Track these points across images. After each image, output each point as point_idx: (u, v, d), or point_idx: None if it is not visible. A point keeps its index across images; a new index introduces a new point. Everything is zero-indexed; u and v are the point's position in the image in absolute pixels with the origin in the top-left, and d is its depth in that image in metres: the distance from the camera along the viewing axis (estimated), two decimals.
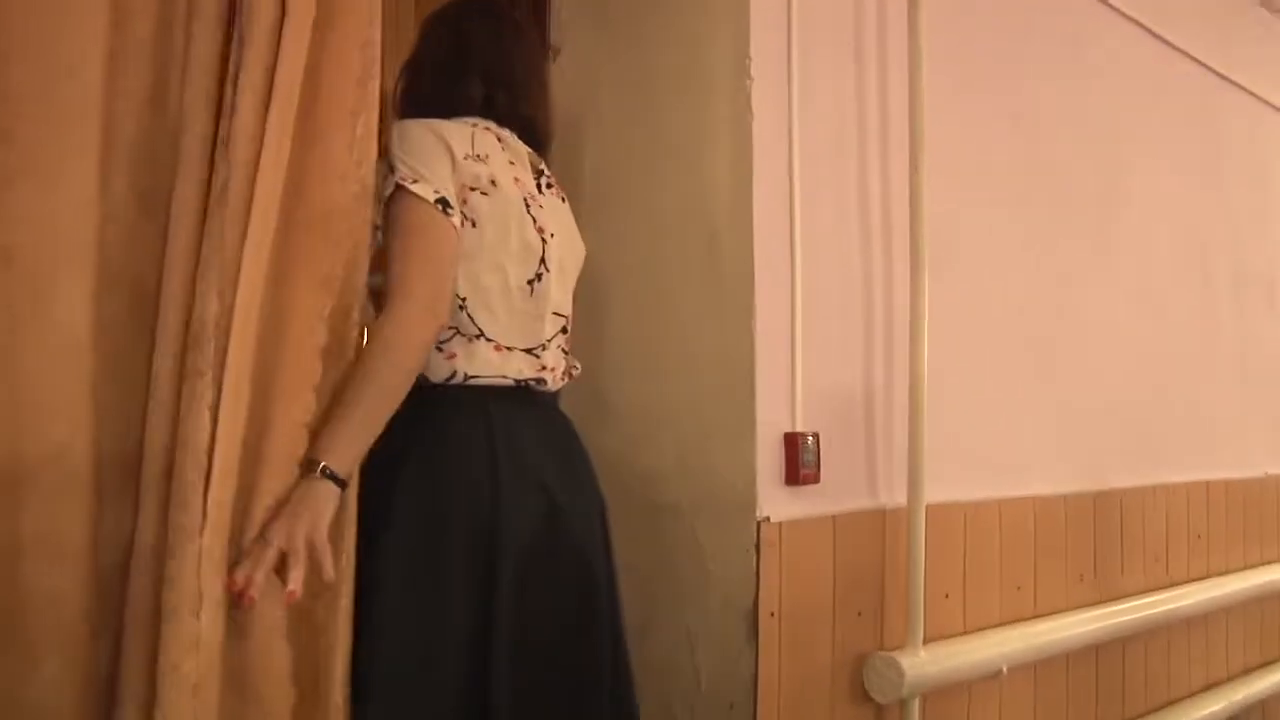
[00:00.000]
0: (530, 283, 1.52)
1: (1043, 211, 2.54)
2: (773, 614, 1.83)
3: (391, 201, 1.41)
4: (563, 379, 1.60)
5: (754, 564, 1.82)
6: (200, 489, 1.16)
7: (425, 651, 1.35)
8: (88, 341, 1.14)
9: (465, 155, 1.46)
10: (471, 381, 1.44)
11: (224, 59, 1.24)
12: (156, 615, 1.20)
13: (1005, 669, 2.12)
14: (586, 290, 1.73)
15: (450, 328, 1.43)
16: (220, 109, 1.23)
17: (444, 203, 1.40)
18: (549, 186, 1.63)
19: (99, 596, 1.17)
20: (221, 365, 1.23)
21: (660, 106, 2.02)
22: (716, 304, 1.91)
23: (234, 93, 1.24)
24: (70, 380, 1.12)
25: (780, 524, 1.86)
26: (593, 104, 2.10)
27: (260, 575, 1.21)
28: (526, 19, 1.80)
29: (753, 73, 1.90)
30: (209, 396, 1.19)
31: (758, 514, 1.84)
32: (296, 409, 1.28)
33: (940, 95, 2.19)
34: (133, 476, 1.19)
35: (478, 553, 1.39)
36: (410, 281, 1.37)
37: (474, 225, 1.46)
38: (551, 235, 1.56)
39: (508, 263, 1.49)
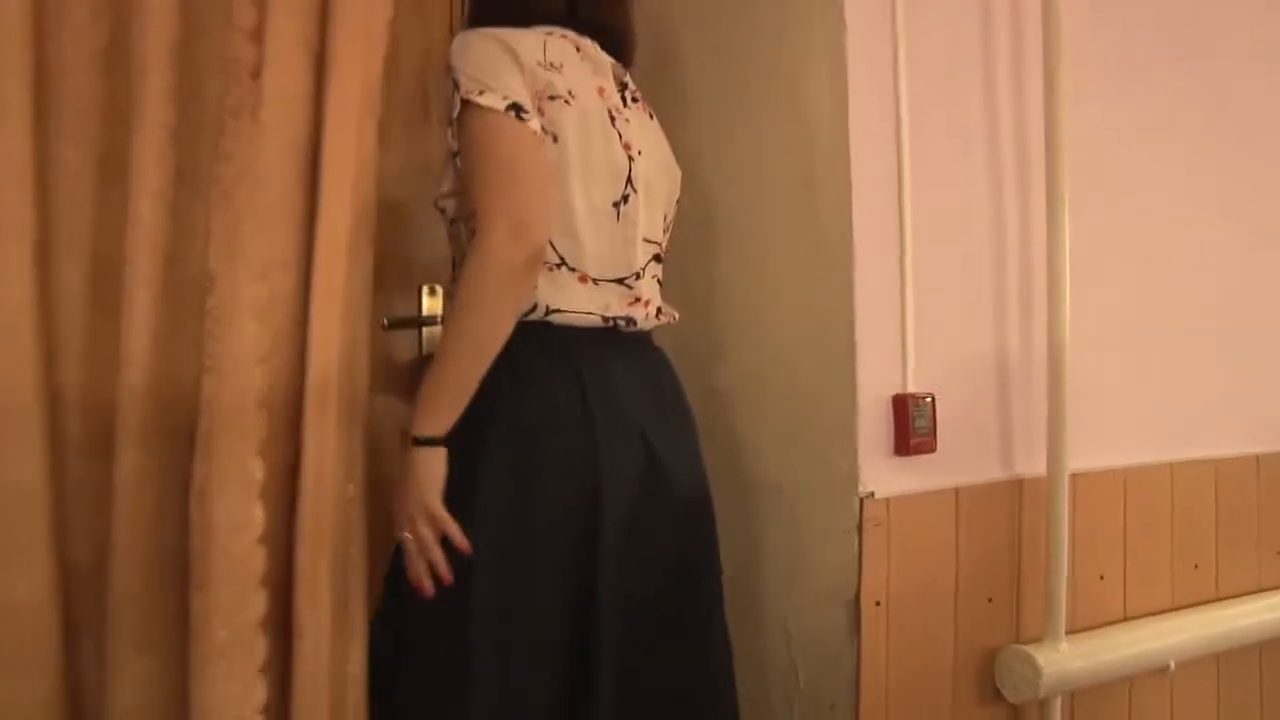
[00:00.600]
0: (616, 205, 1.36)
1: (1207, 134, 2.13)
2: (878, 603, 1.60)
3: (460, 120, 1.27)
4: (657, 317, 1.44)
5: (855, 547, 1.59)
6: None
7: (526, 622, 1.24)
8: (32, 317, 1.04)
9: (537, 62, 1.29)
10: (554, 317, 1.30)
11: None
12: (147, 615, 1.11)
13: (1173, 664, 1.80)
14: (677, 241, 1.55)
15: None
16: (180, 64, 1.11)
17: (517, 108, 1.25)
18: (635, 100, 1.45)
19: (69, 600, 1.08)
20: (303, 352, 1.18)
21: (749, 36, 1.78)
22: (812, 248, 1.67)
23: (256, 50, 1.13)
24: (12, 361, 1.03)
25: (888, 500, 1.62)
26: (678, 42, 1.89)
27: (419, 569, 1.22)
28: None
29: None
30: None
31: (860, 490, 1.60)
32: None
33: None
34: (100, 465, 1.10)
35: (577, 517, 1.26)
36: (490, 206, 1.22)
37: (554, 140, 1.30)
38: (639, 153, 1.40)
39: (592, 182, 1.34)
